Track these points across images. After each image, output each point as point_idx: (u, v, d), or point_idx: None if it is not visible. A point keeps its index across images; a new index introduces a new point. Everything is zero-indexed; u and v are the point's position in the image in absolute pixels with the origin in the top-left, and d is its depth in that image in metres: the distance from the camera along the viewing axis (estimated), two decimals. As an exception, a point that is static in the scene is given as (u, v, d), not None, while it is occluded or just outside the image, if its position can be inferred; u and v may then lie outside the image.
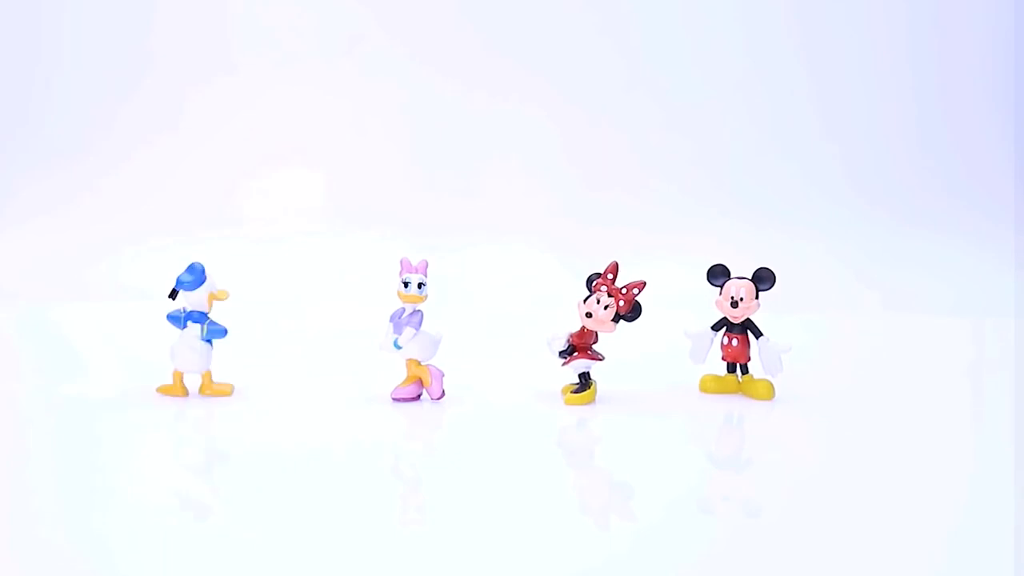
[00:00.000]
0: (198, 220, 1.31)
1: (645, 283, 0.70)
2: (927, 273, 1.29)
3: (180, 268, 0.71)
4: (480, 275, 1.26)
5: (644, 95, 1.39)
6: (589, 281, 0.72)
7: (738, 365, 0.76)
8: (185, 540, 0.48)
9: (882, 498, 0.55)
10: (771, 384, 0.75)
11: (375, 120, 1.38)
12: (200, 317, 0.71)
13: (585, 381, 0.73)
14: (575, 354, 0.72)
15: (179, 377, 0.73)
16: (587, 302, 0.71)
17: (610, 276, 0.71)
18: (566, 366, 0.73)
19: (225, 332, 0.72)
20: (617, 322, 0.71)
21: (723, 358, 0.77)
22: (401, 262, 0.71)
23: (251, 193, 1.36)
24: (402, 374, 0.74)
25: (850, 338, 1.09)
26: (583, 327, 0.72)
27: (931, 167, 1.40)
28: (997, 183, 1.40)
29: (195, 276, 0.70)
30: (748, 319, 0.75)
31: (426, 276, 0.71)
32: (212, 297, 0.71)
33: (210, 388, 0.73)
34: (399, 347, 0.71)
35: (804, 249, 1.29)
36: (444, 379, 0.73)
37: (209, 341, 0.72)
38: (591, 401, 0.73)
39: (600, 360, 0.73)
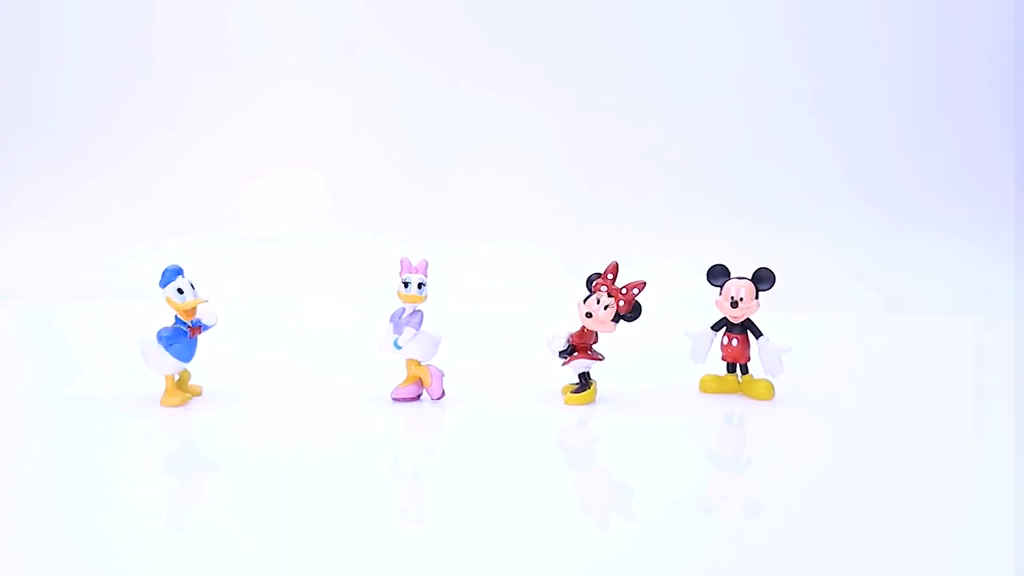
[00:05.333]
0: (198, 220, 1.31)
1: (645, 283, 0.71)
2: (927, 273, 1.29)
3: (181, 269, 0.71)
4: (480, 275, 1.26)
5: (645, 95, 1.39)
6: (589, 281, 0.72)
7: (738, 365, 0.76)
8: (185, 540, 0.48)
9: (882, 498, 0.55)
10: (771, 384, 0.75)
11: (375, 120, 1.38)
12: (179, 321, 0.71)
13: (585, 381, 0.73)
14: (575, 354, 0.72)
15: (169, 380, 0.72)
16: (587, 302, 0.71)
17: (610, 276, 0.71)
18: (566, 366, 0.73)
19: (170, 341, 0.70)
20: (617, 322, 0.71)
21: (723, 358, 0.77)
22: (401, 262, 0.71)
23: (251, 193, 1.36)
24: (402, 374, 0.74)
25: (850, 338, 1.09)
26: (583, 327, 0.72)
27: (931, 167, 1.40)
28: (997, 183, 1.40)
29: (162, 276, 0.70)
30: (748, 319, 0.75)
31: (426, 276, 0.71)
32: (168, 302, 0.70)
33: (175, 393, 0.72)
34: (399, 347, 0.71)
35: (804, 249, 1.29)
36: (444, 379, 0.73)
37: (164, 343, 0.71)
38: (591, 401, 0.73)
39: (600, 360, 0.73)
